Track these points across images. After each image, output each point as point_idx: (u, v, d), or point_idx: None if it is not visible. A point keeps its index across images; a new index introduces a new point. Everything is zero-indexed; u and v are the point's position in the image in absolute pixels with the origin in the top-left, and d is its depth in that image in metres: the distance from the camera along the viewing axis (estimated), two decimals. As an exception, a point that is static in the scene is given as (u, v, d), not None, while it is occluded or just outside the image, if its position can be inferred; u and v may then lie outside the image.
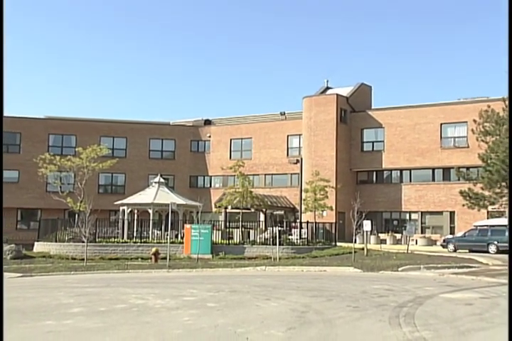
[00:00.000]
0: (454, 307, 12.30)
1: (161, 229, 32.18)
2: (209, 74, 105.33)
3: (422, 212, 42.05)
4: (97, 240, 30.80)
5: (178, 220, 33.18)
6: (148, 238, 31.96)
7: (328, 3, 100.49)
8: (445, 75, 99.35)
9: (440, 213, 41.29)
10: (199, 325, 10.11)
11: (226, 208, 37.21)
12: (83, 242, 27.04)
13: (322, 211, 36.47)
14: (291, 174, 45.59)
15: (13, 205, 44.52)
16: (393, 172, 43.97)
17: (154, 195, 34.10)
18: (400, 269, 22.40)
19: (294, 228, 33.44)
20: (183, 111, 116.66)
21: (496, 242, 31.08)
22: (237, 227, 33.77)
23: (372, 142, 44.13)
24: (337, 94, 44.29)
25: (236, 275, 20.92)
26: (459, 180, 36.69)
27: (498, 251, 30.37)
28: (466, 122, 38.96)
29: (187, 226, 30.43)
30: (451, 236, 36.74)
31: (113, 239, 31.53)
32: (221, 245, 30.64)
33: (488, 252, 30.87)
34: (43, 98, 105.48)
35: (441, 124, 41.51)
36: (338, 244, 33.08)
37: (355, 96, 45.57)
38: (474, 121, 32.74)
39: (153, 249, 26.94)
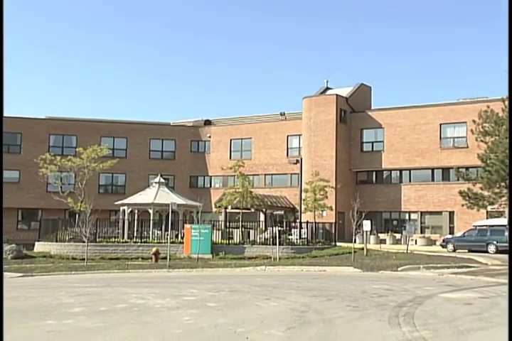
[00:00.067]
0: (454, 306, 12.33)
1: (161, 229, 32.21)
2: (209, 74, 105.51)
3: (421, 212, 42.08)
4: (97, 240, 30.89)
5: (178, 220, 33.27)
6: (149, 238, 32.03)
7: (328, 3, 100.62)
8: (445, 75, 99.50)
9: (439, 213, 41.33)
10: (199, 325, 10.14)
11: (226, 208, 37.26)
12: (84, 242, 27.08)
13: (322, 211, 36.49)
14: (291, 174, 45.62)
15: (14, 205, 44.61)
16: (393, 172, 43.99)
17: (154, 195, 34.18)
18: (399, 269, 22.43)
19: (294, 228, 33.49)
20: (183, 112, 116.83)
21: (495, 242, 31.13)
22: (237, 227, 33.83)
23: (372, 142, 44.16)
24: (337, 95, 44.32)
25: (236, 275, 20.96)
26: (458, 180, 36.77)
27: (498, 251, 30.41)
28: (466, 122, 38.99)
29: (187, 226, 30.49)
30: (450, 236, 36.77)
31: (113, 239, 31.61)
32: (221, 245, 30.71)
33: (487, 252, 30.93)
34: (44, 98, 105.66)
35: (440, 124, 41.54)
36: (337, 243, 33.14)
37: (355, 97, 45.62)
38: (474, 121, 32.80)
39: (154, 249, 27.01)
